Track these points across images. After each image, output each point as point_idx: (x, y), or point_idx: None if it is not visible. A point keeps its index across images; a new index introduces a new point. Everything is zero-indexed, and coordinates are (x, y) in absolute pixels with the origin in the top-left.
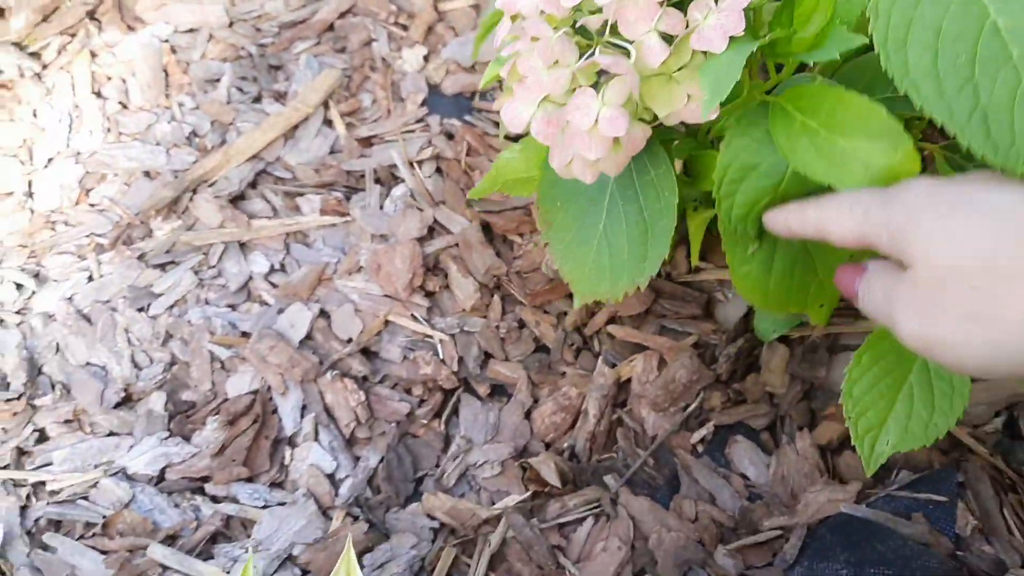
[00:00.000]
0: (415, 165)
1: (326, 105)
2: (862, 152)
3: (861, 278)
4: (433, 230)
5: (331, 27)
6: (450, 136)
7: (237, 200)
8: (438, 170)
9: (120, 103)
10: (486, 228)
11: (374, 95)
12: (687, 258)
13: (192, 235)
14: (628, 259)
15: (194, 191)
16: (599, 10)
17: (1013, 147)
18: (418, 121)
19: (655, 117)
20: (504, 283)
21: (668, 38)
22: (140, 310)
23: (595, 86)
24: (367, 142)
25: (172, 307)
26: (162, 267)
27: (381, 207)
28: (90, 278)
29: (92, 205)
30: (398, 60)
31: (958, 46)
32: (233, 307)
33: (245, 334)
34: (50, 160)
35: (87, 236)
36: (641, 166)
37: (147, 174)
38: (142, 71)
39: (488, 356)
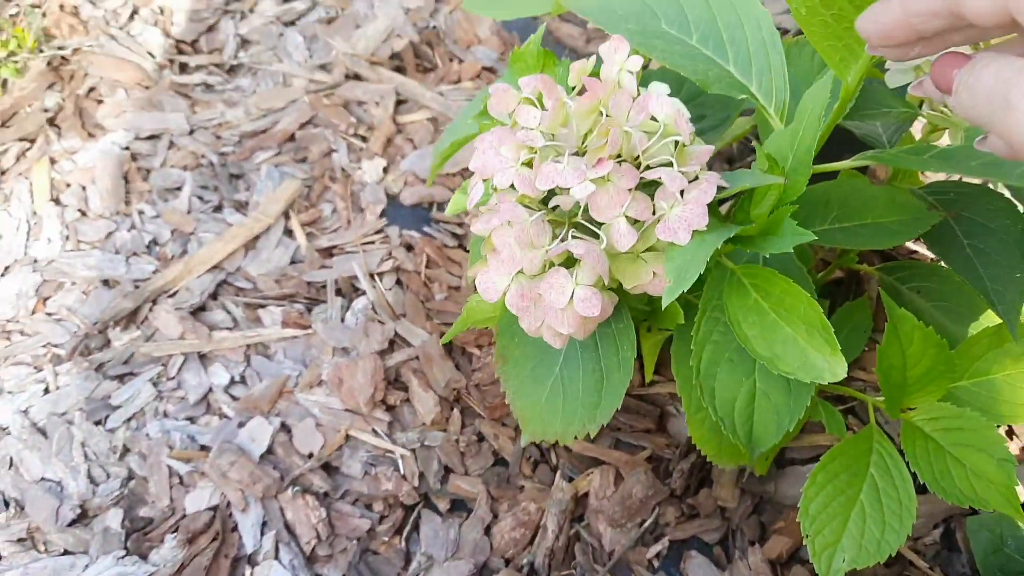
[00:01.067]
0: (376, 277)
1: (287, 215)
2: (801, 342)
3: (965, 66)
4: (394, 343)
5: (292, 137)
6: (409, 248)
7: (198, 311)
8: (398, 282)
9: (79, 210)
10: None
11: (334, 205)
12: (640, 371)
13: (151, 346)
14: (582, 404)
15: (154, 301)
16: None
17: None
18: (377, 232)
19: (620, 284)
20: (463, 396)
21: (637, 220)
22: (97, 423)
23: (567, 262)
24: (327, 253)
25: (130, 420)
26: (120, 378)
27: (342, 320)
28: (46, 390)
29: (49, 314)
30: (358, 171)
31: None
32: (192, 420)
33: (205, 448)
34: (7, 268)
35: (44, 346)
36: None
37: (106, 283)
38: (102, 178)
39: (448, 470)
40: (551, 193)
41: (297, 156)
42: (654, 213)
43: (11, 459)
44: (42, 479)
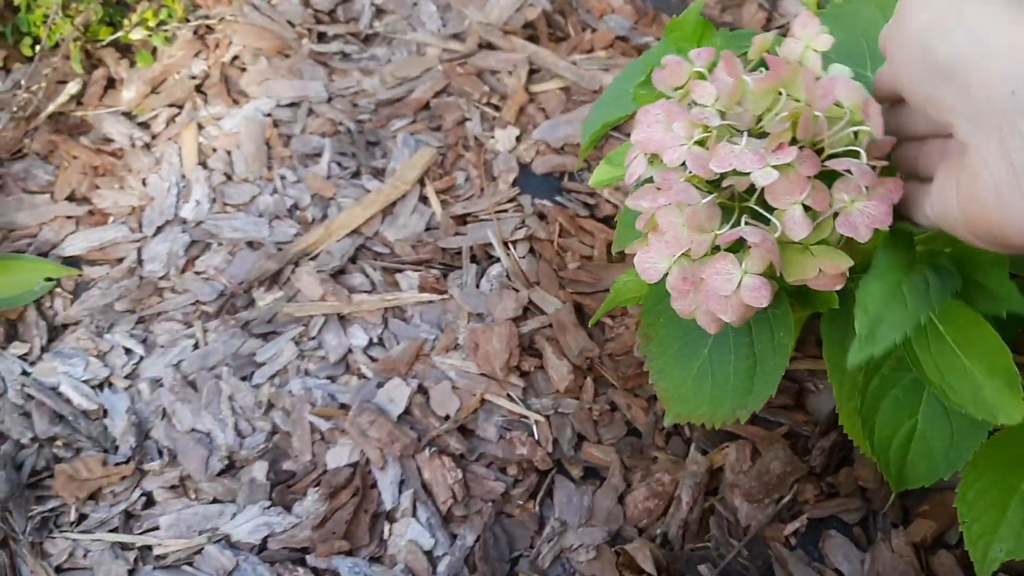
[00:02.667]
0: (509, 245)
1: (422, 182)
2: (978, 378)
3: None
4: (528, 310)
5: (427, 106)
6: (542, 216)
7: (338, 274)
8: (531, 250)
9: (225, 174)
10: (578, 310)
11: (468, 173)
12: None
13: (294, 306)
14: (732, 390)
15: (296, 263)
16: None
17: None
18: (510, 201)
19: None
20: (596, 366)
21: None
22: (243, 379)
23: (733, 247)
24: (462, 220)
25: (274, 376)
26: (264, 337)
27: (477, 286)
28: (196, 345)
29: (198, 273)
30: (491, 140)
31: None
32: (333, 379)
33: (344, 406)
34: (159, 229)
35: (193, 304)
36: None
37: (251, 245)
38: (246, 144)
39: (581, 438)
40: (722, 175)
41: (432, 124)
42: (831, 205)
43: (164, 410)
44: (192, 430)
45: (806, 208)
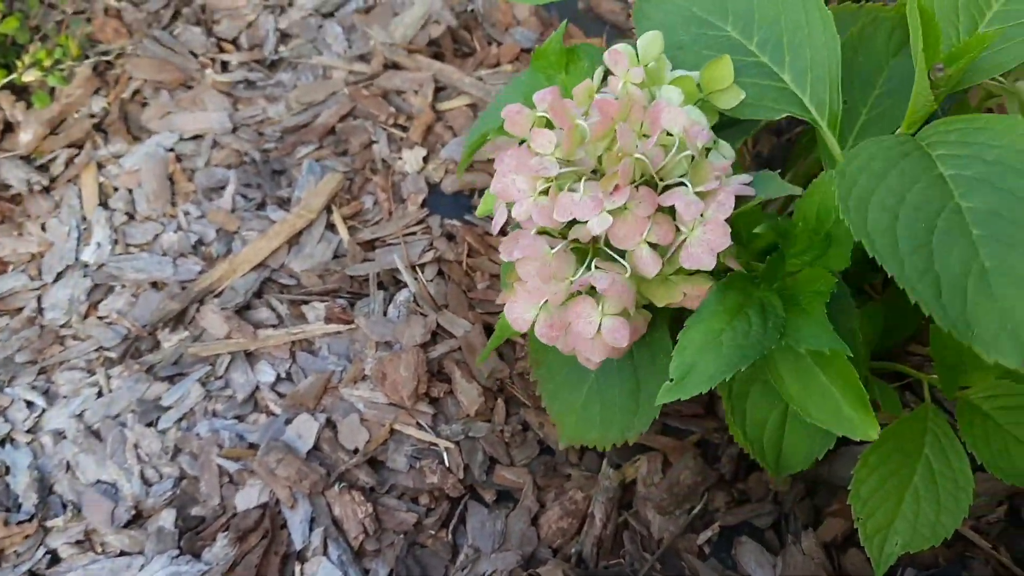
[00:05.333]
0: (417, 269)
1: (329, 209)
2: (836, 394)
3: None
4: (436, 335)
5: (332, 130)
6: (451, 237)
7: (243, 310)
8: (440, 272)
9: (127, 214)
10: (488, 330)
11: (376, 197)
12: None
13: (199, 346)
14: (619, 412)
15: (201, 302)
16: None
17: (962, 315)
18: (419, 223)
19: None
20: (508, 386)
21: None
22: (149, 424)
23: (594, 289)
24: (370, 245)
25: (180, 420)
26: (170, 379)
27: (385, 313)
28: (100, 393)
29: (101, 318)
30: (398, 161)
31: (919, 214)
32: (241, 418)
33: (253, 446)
34: (59, 275)
35: (96, 350)
36: None
37: (154, 285)
38: (148, 181)
39: (494, 461)
40: (573, 221)
41: (338, 149)
42: (679, 233)
43: (68, 463)
44: (98, 482)
45: (655, 244)
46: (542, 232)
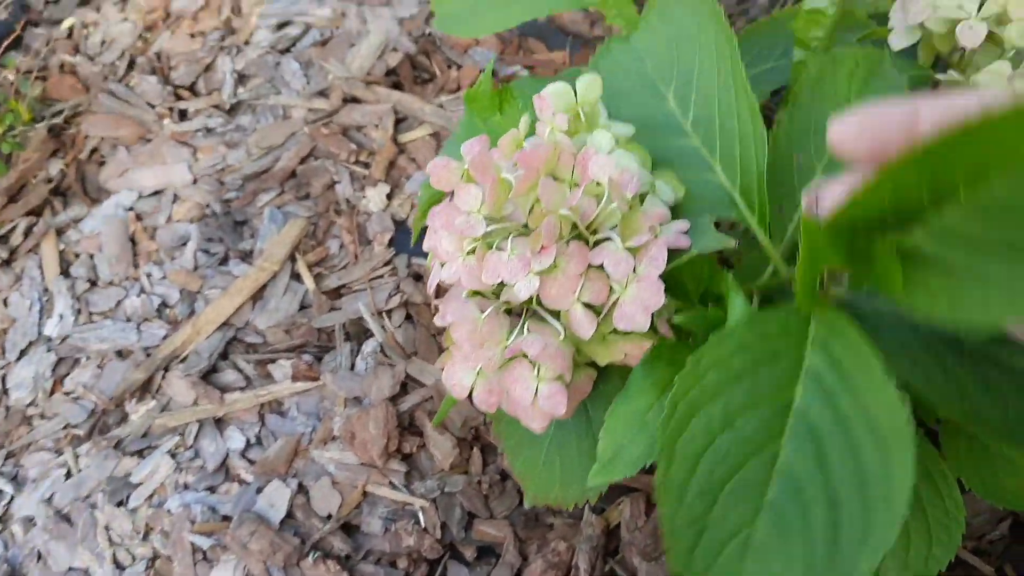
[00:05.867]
0: (384, 315)
1: (293, 258)
2: None
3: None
4: (406, 385)
5: (293, 173)
6: (418, 278)
7: (209, 374)
8: (408, 317)
9: (89, 280)
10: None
11: (341, 240)
12: None
13: (167, 416)
14: (579, 469)
15: (166, 369)
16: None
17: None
18: (386, 264)
19: None
20: (483, 433)
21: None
22: (119, 504)
23: None
24: (336, 293)
25: (151, 496)
26: (139, 453)
27: (352, 367)
28: (68, 474)
29: (67, 394)
30: (362, 200)
31: (735, 450)
32: (212, 489)
33: (226, 518)
34: (22, 352)
35: (63, 428)
36: None
37: (120, 354)
38: (109, 244)
39: (472, 516)
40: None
41: (300, 193)
42: (611, 292)
43: (39, 552)
44: (69, 569)
45: (589, 304)
46: (474, 294)
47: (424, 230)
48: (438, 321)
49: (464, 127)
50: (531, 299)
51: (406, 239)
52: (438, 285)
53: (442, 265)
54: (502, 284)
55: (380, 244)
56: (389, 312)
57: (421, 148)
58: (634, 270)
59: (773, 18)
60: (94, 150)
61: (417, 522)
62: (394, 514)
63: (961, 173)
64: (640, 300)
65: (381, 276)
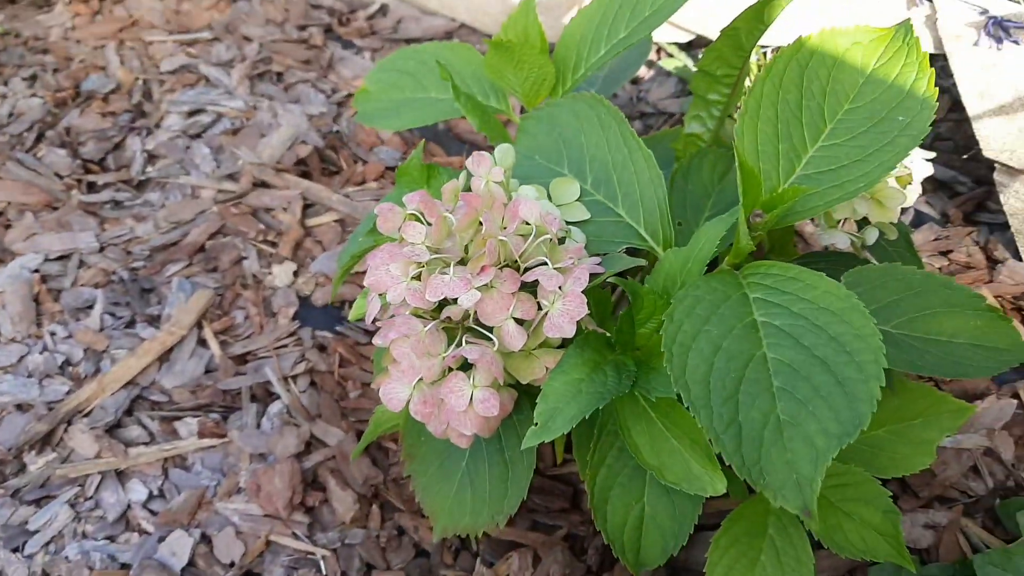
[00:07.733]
0: (290, 380)
1: (200, 325)
2: (685, 454)
3: None
4: (310, 444)
5: (202, 248)
6: (322, 348)
7: (113, 428)
8: (312, 383)
9: None
10: (361, 437)
11: (247, 311)
12: (552, 452)
13: (68, 467)
14: (489, 496)
15: (69, 422)
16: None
17: (757, 464)
18: (291, 335)
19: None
20: (382, 491)
21: (525, 320)
22: (15, 550)
23: (464, 366)
24: (242, 359)
25: (48, 544)
26: (37, 503)
27: (258, 426)
28: None
29: None
30: (268, 276)
31: (731, 364)
32: (112, 538)
33: (125, 566)
34: None
35: None
36: None
37: (20, 408)
38: (12, 303)
39: (370, 567)
40: (443, 303)
41: (208, 266)
42: (540, 309)
43: None
44: None
45: (520, 320)
46: (415, 314)
47: (342, 285)
48: (379, 341)
49: (392, 199)
50: (467, 315)
51: (311, 314)
52: (375, 316)
53: (382, 297)
54: (440, 306)
55: (285, 317)
56: (295, 377)
57: (327, 232)
58: (560, 288)
59: (654, 137)
60: (0, 213)
61: (319, 570)
62: (296, 563)
63: None
64: (567, 312)
65: (286, 345)
